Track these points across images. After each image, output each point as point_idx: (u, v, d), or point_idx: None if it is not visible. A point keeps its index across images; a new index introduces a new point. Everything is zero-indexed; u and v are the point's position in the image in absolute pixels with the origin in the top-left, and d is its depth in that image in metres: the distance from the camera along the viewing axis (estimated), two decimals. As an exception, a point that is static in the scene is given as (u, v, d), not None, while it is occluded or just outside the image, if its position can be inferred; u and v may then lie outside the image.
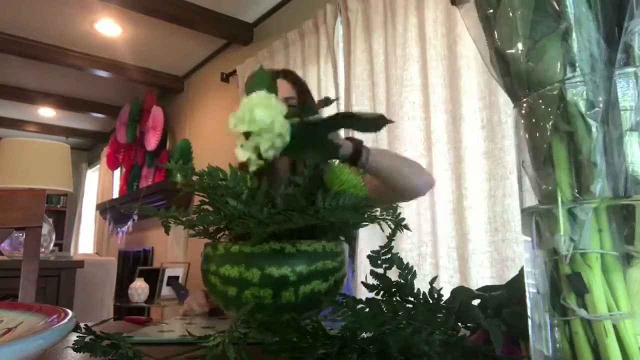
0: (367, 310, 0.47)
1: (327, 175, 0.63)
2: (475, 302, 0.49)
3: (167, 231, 0.64)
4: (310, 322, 0.46)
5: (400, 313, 0.47)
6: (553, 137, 0.31)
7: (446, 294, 1.83)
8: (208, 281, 0.60)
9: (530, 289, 0.33)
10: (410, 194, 1.10)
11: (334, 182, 0.61)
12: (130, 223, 4.69)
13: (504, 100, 1.70)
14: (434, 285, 0.53)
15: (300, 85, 1.25)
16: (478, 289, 0.53)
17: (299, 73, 2.74)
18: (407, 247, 1.97)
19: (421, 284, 1.82)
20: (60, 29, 3.55)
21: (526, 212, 0.34)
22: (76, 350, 0.45)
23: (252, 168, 0.55)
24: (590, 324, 0.29)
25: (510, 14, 0.33)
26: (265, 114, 0.53)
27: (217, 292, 0.59)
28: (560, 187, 0.30)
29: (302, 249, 0.57)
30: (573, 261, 0.29)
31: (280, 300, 0.55)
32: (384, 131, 2.16)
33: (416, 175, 1.08)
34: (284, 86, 1.21)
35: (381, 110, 2.19)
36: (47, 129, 5.92)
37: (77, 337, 0.46)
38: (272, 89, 0.59)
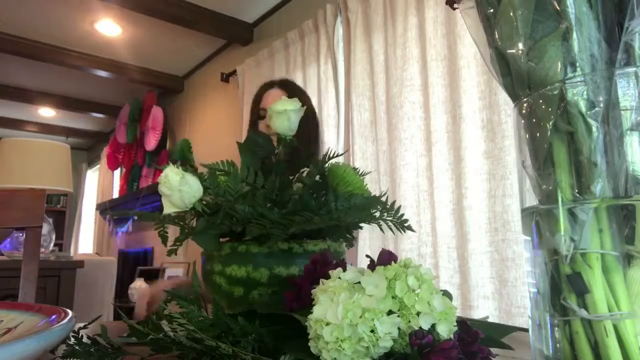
0: None
1: (331, 176, 0.63)
2: None
3: (164, 242, 0.62)
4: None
5: None
6: (553, 137, 0.31)
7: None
8: (212, 281, 0.60)
9: (530, 289, 0.33)
10: None
11: (340, 183, 0.61)
12: (130, 223, 4.70)
13: (504, 100, 1.70)
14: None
15: (296, 96, 1.29)
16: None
17: (299, 73, 2.76)
18: (407, 247, 1.97)
19: (421, 284, 1.76)
20: (60, 29, 3.55)
21: (526, 212, 0.34)
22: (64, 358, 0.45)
23: None
24: (590, 324, 0.29)
25: (511, 14, 0.33)
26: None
27: (221, 292, 0.58)
28: (560, 187, 0.30)
29: (309, 249, 0.57)
30: (573, 261, 0.29)
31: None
32: (384, 131, 2.16)
33: None
34: (278, 96, 1.25)
35: (381, 110, 2.19)
36: (47, 129, 5.93)
37: (66, 346, 0.45)
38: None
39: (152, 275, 3.82)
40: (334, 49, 2.51)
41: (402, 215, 0.61)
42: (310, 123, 1.35)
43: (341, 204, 0.58)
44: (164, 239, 0.61)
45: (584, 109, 0.30)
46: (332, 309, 0.37)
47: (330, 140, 2.43)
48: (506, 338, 0.49)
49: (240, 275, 0.56)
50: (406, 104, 2.07)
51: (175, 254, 0.59)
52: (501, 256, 1.66)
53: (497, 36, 0.35)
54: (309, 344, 0.39)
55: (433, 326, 0.37)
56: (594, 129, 0.29)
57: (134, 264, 4.39)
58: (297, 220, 0.54)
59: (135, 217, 4.48)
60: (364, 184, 0.64)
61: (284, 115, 0.65)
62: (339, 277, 0.41)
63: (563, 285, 0.30)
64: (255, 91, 1.39)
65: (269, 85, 1.34)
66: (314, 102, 2.57)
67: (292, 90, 1.33)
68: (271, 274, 0.55)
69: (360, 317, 0.36)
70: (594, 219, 0.29)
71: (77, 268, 2.20)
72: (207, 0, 3.13)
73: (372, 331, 0.36)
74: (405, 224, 0.61)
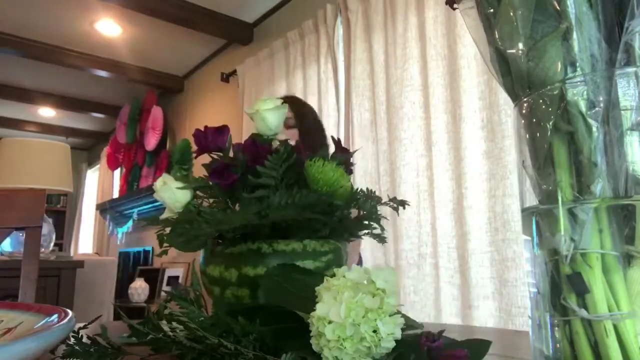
0: None
1: (307, 175, 0.61)
2: None
3: (161, 244, 0.63)
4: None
5: None
6: (553, 137, 0.31)
7: (446, 293, 1.84)
8: (203, 281, 0.62)
9: (530, 289, 0.33)
10: None
11: (321, 183, 0.60)
12: (130, 223, 4.70)
13: (504, 100, 1.70)
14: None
15: (298, 107, 1.45)
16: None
17: (299, 73, 2.76)
18: (407, 247, 1.97)
19: (421, 284, 1.83)
20: (60, 29, 3.55)
21: (526, 212, 0.34)
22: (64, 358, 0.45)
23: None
24: (590, 323, 0.29)
25: (511, 14, 0.33)
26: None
27: (207, 290, 0.60)
28: (560, 187, 0.30)
29: (278, 249, 0.57)
30: (573, 261, 0.29)
31: (259, 300, 0.55)
32: (384, 131, 2.16)
33: None
34: None
35: (381, 110, 2.19)
36: (47, 129, 5.93)
37: (66, 346, 0.45)
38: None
39: (152, 275, 3.82)
40: (334, 49, 2.51)
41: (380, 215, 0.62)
42: (316, 133, 1.51)
43: (285, 200, 0.57)
44: (162, 241, 0.62)
45: (584, 109, 0.30)
46: (335, 308, 0.37)
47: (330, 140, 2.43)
48: (506, 337, 0.49)
49: (216, 275, 0.58)
50: (406, 104, 2.07)
51: (166, 254, 0.60)
52: (501, 256, 1.66)
53: (497, 36, 0.35)
54: (311, 341, 0.39)
55: None
56: (594, 129, 0.29)
57: (134, 264, 4.40)
58: (216, 219, 0.55)
59: (136, 218, 4.49)
60: (343, 179, 0.61)
61: (257, 116, 0.65)
62: (344, 276, 0.41)
63: (563, 285, 0.30)
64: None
65: None
66: (314, 102, 2.57)
67: (294, 105, 1.46)
68: (239, 273, 0.56)
69: (363, 317, 0.36)
70: (594, 219, 0.29)
71: (77, 268, 2.20)
72: (207, 0, 3.13)
73: (374, 331, 0.36)
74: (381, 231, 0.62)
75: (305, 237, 0.59)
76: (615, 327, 0.28)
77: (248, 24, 3.42)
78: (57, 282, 2.12)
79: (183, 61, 4.13)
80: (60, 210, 6.72)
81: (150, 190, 4.15)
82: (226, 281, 0.57)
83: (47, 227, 2.23)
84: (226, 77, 3.58)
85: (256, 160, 0.60)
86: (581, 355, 0.29)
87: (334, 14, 2.54)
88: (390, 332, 0.36)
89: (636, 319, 0.28)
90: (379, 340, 0.36)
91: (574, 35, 0.31)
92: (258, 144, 0.62)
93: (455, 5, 0.40)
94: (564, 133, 0.31)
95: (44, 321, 0.40)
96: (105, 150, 5.49)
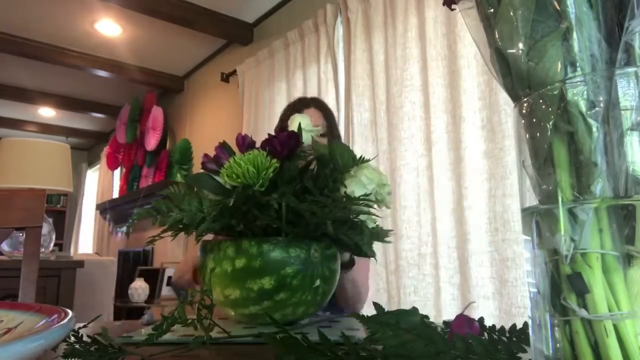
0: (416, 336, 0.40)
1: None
2: None
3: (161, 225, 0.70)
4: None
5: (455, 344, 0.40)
6: (553, 137, 0.31)
7: (446, 293, 1.84)
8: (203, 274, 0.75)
9: (530, 289, 0.33)
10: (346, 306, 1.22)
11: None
12: (130, 223, 4.69)
13: (504, 100, 1.70)
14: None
15: (329, 116, 1.39)
16: None
17: (299, 73, 2.76)
18: (407, 247, 1.97)
19: (421, 284, 1.82)
20: (60, 29, 3.55)
21: (526, 212, 0.34)
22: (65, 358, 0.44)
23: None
24: (590, 323, 0.29)
25: (511, 14, 0.33)
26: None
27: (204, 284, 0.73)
28: (560, 187, 0.30)
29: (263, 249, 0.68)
30: (573, 261, 0.29)
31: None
32: (384, 132, 2.16)
33: (356, 304, 1.21)
34: (314, 114, 1.34)
35: (381, 110, 2.19)
36: (47, 129, 5.93)
37: (66, 345, 0.45)
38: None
39: (152, 275, 3.82)
40: (334, 49, 2.51)
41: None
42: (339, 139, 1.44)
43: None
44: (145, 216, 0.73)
45: (584, 109, 0.30)
46: None
47: (330, 140, 2.43)
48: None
49: (211, 267, 0.71)
50: (406, 104, 2.07)
51: (153, 244, 0.69)
52: (501, 256, 1.66)
53: (497, 36, 0.35)
54: None
55: None
56: (594, 129, 0.29)
57: (134, 264, 4.39)
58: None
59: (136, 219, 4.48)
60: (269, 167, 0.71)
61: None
62: None
63: (563, 285, 0.30)
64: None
65: (304, 104, 1.39)
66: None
67: (326, 110, 1.40)
68: (234, 268, 0.69)
69: None
70: (594, 219, 0.29)
71: (77, 268, 2.21)
72: (207, 0, 3.14)
73: None
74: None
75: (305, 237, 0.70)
76: (615, 327, 0.28)
77: (248, 24, 3.42)
78: (57, 282, 2.12)
79: (183, 61, 4.13)
80: (60, 210, 6.72)
81: (150, 190, 4.14)
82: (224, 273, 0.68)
83: (47, 227, 2.23)
84: (226, 77, 3.58)
85: (289, 155, 0.72)
86: (581, 355, 0.29)
87: (334, 14, 2.54)
88: None
89: (636, 319, 0.28)
90: None
91: (574, 35, 0.31)
92: (293, 138, 0.72)
93: (453, 6, 0.40)
94: (564, 133, 0.31)
95: (44, 321, 0.40)
96: (105, 150, 5.49)
